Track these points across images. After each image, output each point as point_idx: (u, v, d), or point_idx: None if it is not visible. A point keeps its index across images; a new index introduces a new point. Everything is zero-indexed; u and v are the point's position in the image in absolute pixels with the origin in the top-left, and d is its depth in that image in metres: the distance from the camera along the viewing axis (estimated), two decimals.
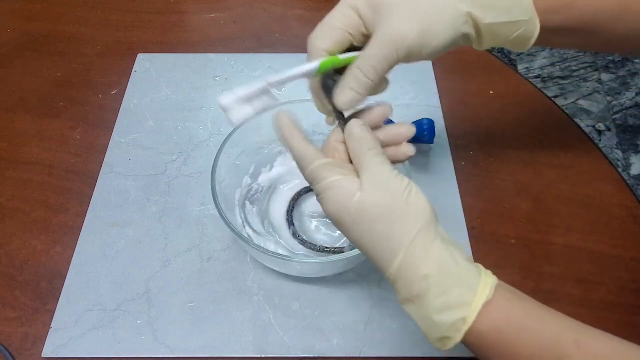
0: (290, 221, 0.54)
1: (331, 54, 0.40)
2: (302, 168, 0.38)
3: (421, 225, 0.34)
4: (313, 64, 0.39)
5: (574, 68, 1.73)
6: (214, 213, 0.57)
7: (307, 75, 0.39)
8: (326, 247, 0.52)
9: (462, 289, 0.33)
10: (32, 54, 0.76)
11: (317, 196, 0.37)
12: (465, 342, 0.34)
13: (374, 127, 0.40)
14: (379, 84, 0.41)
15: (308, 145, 0.37)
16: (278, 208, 0.56)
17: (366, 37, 0.40)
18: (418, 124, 0.61)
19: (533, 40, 0.43)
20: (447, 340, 0.34)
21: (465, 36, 0.41)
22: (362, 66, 0.39)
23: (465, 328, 0.33)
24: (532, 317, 0.33)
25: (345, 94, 0.39)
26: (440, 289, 0.33)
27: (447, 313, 0.33)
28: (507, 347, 0.33)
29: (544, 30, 0.42)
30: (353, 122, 0.38)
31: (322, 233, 0.55)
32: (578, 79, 1.70)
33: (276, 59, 0.75)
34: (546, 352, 0.32)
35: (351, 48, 0.40)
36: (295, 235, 0.53)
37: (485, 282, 0.34)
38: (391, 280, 0.35)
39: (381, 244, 0.35)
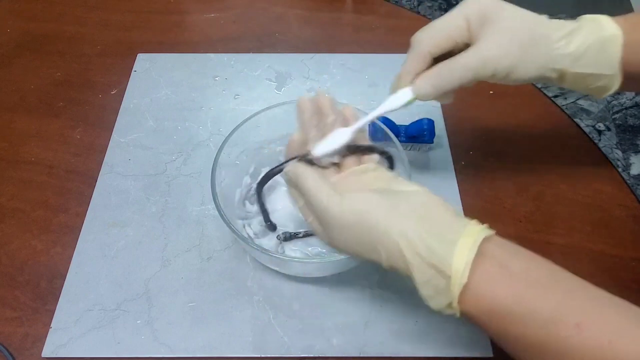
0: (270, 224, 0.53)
1: (433, 55, 0.43)
2: (316, 205, 0.38)
3: (376, 231, 0.34)
4: (406, 97, 0.44)
5: None
6: (214, 213, 0.57)
7: (397, 109, 0.44)
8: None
9: (437, 279, 0.33)
10: (32, 54, 0.76)
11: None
12: (465, 319, 0.34)
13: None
14: (450, 95, 0.44)
15: (323, 183, 0.39)
16: (278, 208, 0.56)
17: (466, 46, 0.43)
18: (418, 124, 0.61)
19: (612, 92, 0.44)
20: (453, 315, 0.34)
21: (548, 78, 0.43)
22: (451, 69, 0.42)
23: (458, 308, 0.33)
24: (525, 299, 0.31)
25: (424, 85, 0.43)
26: (421, 280, 0.33)
27: (435, 300, 0.34)
28: (500, 330, 0.33)
29: (626, 79, 0.43)
30: (287, 170, 0.40)
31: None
32: None
33: (276, 59, 0.75)
34: (542, 335, 0.31)
35: (449, 54, 0.43)
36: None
37: (459, 263, 0.32)
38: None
39: (366, 258, 0.37)
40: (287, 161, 0.42)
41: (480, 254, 0.32)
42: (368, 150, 0.43)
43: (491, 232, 0.34)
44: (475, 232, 0.33)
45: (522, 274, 0.32)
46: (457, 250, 0.32)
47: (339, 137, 0.41)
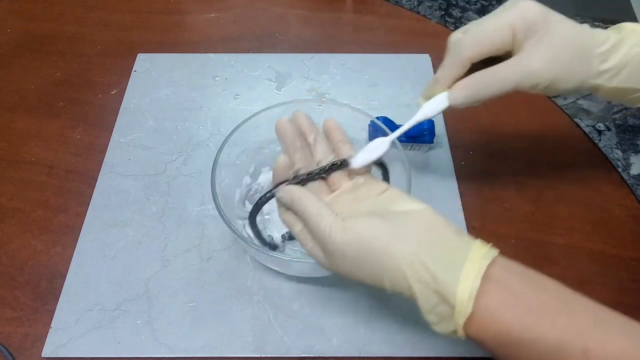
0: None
1: (472, 62, 0.42)
2: (314, 228, 0.38)
3: (379, 259, 0.34)
4: (443, 104, 0.43)
5: None
6: (214, 213, 0.57)
7: (434, 116, 0.44)
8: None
9: (442, 307, 0.32)
10: (32, 54, 0.76)
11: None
12: (473, 342, 0.33)
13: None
14: (486, 101, 0.43)
15: (321, 205, 0.38)
16: (275, 209, 0.56)
17: (507, 54, 0.42)
18: (418, 124, 0.61)
19: None
20: (459, 340, 0.33)
21: (585, 89, 0.43)
22: (490, 80, 0.41)
23: (463, 334, 0.32)
24: (531, 326, 0.31)
25: (461, 94, 0.42)
26: (426, 307, 0.33)
27: (440, 326, 0.33)
28: (507, 355, 0.32)
29: None
30: (282, 194, 0.40)
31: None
32: None
33: (276, 59, 0.75)
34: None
35: (489, 60, 0.42)
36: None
37: (463, 291, 0.31)
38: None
39: (370, 285, 0.35)
40: (276, 186, 0.41)
41: (485, 277, 0.32)
42: (340, 166, 0.42)
43: (495, 252, 0.33)
44: (480, 255, 0.33)
45: (527, 298, 0.32)
46: (462, 277, 0.32)
47: (378, 147, 0.42)
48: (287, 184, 0.40)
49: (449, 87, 0.43)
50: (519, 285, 0.32)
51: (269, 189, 0.43)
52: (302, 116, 0.43)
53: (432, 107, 0.44)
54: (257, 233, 0.48)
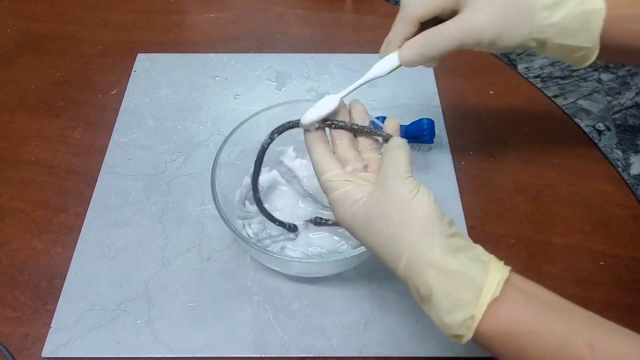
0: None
1: (419, 20, 0.43)
2: (317, 176, 0.40)
3: (422, 227, 0.35)
4: (393, 63, 0.44)
5: (574, 68, 1.73)
6: (214, 213, 0.57)
7: (384, 75, 0.44)
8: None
9: (466, 290, 0.33)
10: (32, 54, 0.76)
11: (330, 205, 0.40)
12: (475, 341, 0.34)
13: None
14: (434, 60, 0.44)
15: (326, 155, 0.40)
16: (279, 208, 0.56)
17: (452, 12, 0.43)
18: (418, 124, 0.61)
19: (589, 62, 0.44)
20: (460, 338, 0.34)
21: (528, 46, 0.43)
22: (436, 37, 0.42)
23: (474, 326, 0.33)
24: (540, 320, 0.33)
25: (410, 52, 0.43)
26: (445, 290, 0.34)
27: (454, 314, 0.33)
28: (515, 350, 0.33)
29: (604, 50, 0.43)
30: (395, 141, 0.40)
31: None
32: (578, 79, 1.70)
33: (276, 59, 0.75)
34: (555, 356, 0.32)
35: (436, 20, 0.43)
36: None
37: (492, 280, 0.33)
38: (402, 280, 0.36)
39: (386, 246, 0.36)
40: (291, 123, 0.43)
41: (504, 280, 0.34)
42: (380, 135, 0.43)
43: (509, 267, 0.35)
44: (500, 262, 0.35)
45: (536, 297, 0.34)
46: (490, 268, 0.34)
47: (327, 104, 0.41)
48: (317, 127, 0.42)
49: (400, 47, 0.44)
50: (530, 288, 0.35)
51: (331, 121, 0.43)
52: (358, 104, 0.45)
53: (383, 66, 0.44)
54: (259, 202, 0.48)
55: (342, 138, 0.42)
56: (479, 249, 0.36)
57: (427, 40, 0.42)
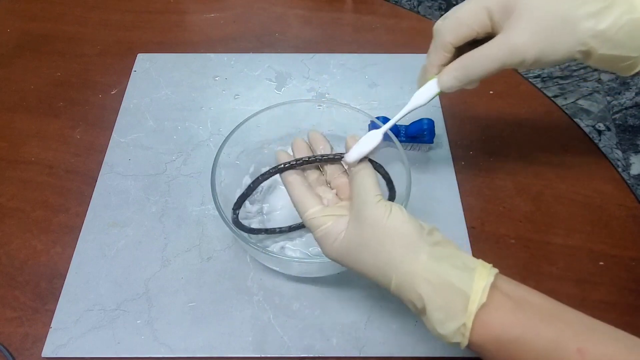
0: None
1: (454, 46, 0.43)
2: (299, 214, 0.42)
3: (402, 246, 0.36)
4: (433, 91, 0.44)
5: (574, 68, 1.73)
6: (214, 213, 0.57)
7: (425, 104, 0.44)
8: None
9: (455, 300, 0.34)
10: (32, 54, 0.76)
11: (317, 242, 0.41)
12: (471, 349, 0.34)
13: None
14: (474, 82, 0.44)
15: (304, 193, 0.42)
16: (278, 208, 0.56)
17: (490, 35, 0.42)
18: (418, 124, 0.61)
19: (637, 71, 0.43)
20: (458, 344, 0.34)
21: (575, 58, 0.42)
22: (476, 60, 0.41)
23: (467, 333, 0.33)
24: (529, 326, 0.33)
25: (449, 77, 0.43)
26: (435, 302, 0.34)
27: (447, 324, 0.34)
28: (507, 357, 0.33)
29: None
30: (358, 166, 0.41)
31: None
32: (578, 79, 1.70)
33: (276, 59, 0.75)
34: None
35: (472, 42, 0.43)
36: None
37: (478, 287, 0.33)
38: (397, 298, 0.37)
39: (374, 272, 0.37)
40: (278, 166, 0.43)
41: (490, 285, 0.34)
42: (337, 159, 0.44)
43: (497, 270, 0.35)
44: (487, 266, 0.35)
45: (526, 304, 0.34)
46: (476, 275, 0.34)
47: (371, 140, 0.41)
48: (286, 165, 0.43)
49: (437, 73, 0.44)
50: (518, 294, 0.35)
51: (276, 166, 0.43)
52: (315, 133, 0.46)
53: (423, 95, 0.44)
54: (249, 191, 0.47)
55: (310, 173, 0.44)
56: (464, 256, 0.36)
57: (467, 64, 0.42)
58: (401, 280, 0.36)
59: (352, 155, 0.41)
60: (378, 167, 0.44)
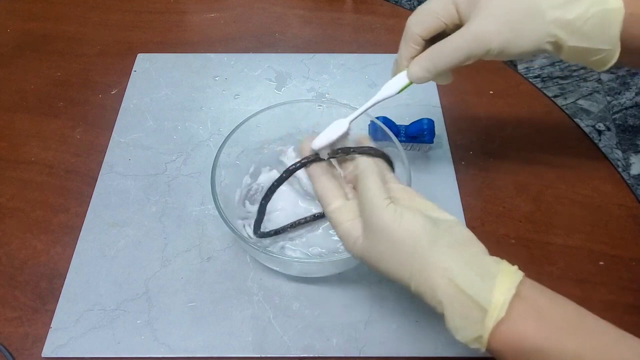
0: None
1: (423, 39, 0.43)
2: (323, 207, 0.41)
3: (417, 252, 0.35)
4: (401, 82, 0.44)
5: (574, 68, 1.73)
6: (214, 213, 0.57)
7: (394, 95, 0.44)
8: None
9: (473, 309, 0.33)
10: (32, 54, 0.76)
11: None
12: (490, 354, 0.34)
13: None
14: (447, 75, 0.44)
15: (327, 186, 0.40)
16: (278, 208, 0.56)
17: (457, 27, 0.42)
18: (418, 124, 0.61)
19: (611, 65, 0.43)
20: (478, 349, 0.34)
21: (544, 50, 0.42)
22: (442, 50, 0.41)
23: (485, 342, 0.33)
24: (551, 339, 0.32)
25: (417, 68, 0.42)
26: (453, 309, 0.33)
27: (465, 331, 0.33)
28: None
29: (625, 52, 0.42)
30: (361, 165, 0.40)
31: None
32: (578, 79, 1.70)
33: (276, 59, 0.75)
34: None
35: (440, 35, 0.43)
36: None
37: (497, 301, 0.32)
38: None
39: (392, 276, 0.37)
40: (306, 159, 0.42)
41: (514, 293, 0.33)
42: (369, 152, 0.42)
43: (522, 274, 0.34)
44: (511, 272, 0.34)
45: (550, 314, 0.33)
46: (497, 285, 0.33)
47: (337, 128, 0.41)
48: (314, 158, 0.41)
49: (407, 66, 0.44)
50: (542, 302, 0.33)
51: (302, 159, 0.42)
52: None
53: (393, 86, 0.44)
54: (262, 211, 0.47)
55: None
56: (486, 260, 0.34)
57: (434, 54, 0.42)
58: (420, 286, 0.35)
59: (317, 143, 0.41)
60: (381, 155, 0.42)
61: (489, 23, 0.40)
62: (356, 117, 0.43)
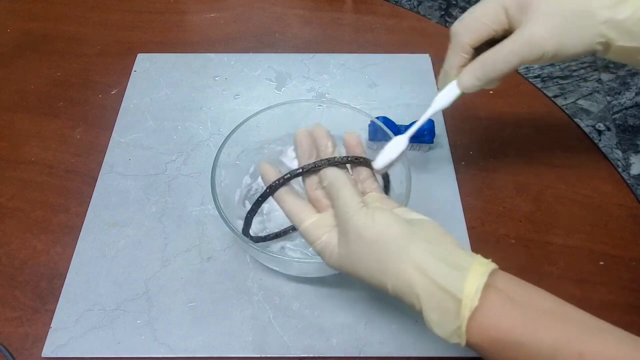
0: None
1: (472, 47, 0.43)
2: (296, 226, 0.41)
3: (391, 251, 0.35)
4: (454, 93, 0.43)
5: (574, 68, 1.73)
6: (214, 213, 0.57)
7: (447, 106, 0.44)
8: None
9: (448, 302, 0.33)
10: (32, 54, 0.76)
11: None
12: (471, 349, 0.34)
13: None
14: (495, 81, 0.43)
15: (295, 205, 0.40)
16: (277, 208, 0.56)
17: (506, 33, 0.42)
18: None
19: None
20: (459, 343, 0.34)
21: (594, 51, 0.42)
22: (496, 58, 0.41)
23: (463, 335, 0.33)
24: (528, 329, 0.32)
25: (469, 77, 0.42)
26: (430, 304, 0.34)
27: (443, 326, 0.33)
28: (506, 359, 0.33)
29: None
30: (325, 171, 0.40)
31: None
32: (578, 79, 1.70)
33: (276, 59, 0.75)
34: None
35: (490, 43, 0.43)
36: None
37: (470, 289, 0.32)
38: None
39: (370, 280, 0.37)
40: (289, 173, 0.41)
41: (487, 285, 0.33)
42: (362, 163, 0.42)
43: (495, 266, 0.35)
44: (484, 263, 0.34)
45: (526, 305, 0.33)
46: (469, 275, 0.33)
47: (396, 146, 0.41)
48: (301, 171, 0.41)
49: (457, 75, 0.44)
50: (518, 293, 0.33)
51: (284, 174, 0.41)
52: (321, 129, 0.44)
53: (444, 98, 0.44)
54: (247, 227, 0.46)
55: (309, 179, 0.42)
56: (459, 253, 0.35)
57: (486, 63, 0.42)
58: (396, 285, 0.35)
59: (379, 163, 0.41)
60: (366, 162, 0.42)
61: (542, 27, 0.40)
62: (413, 133, 0.43)
